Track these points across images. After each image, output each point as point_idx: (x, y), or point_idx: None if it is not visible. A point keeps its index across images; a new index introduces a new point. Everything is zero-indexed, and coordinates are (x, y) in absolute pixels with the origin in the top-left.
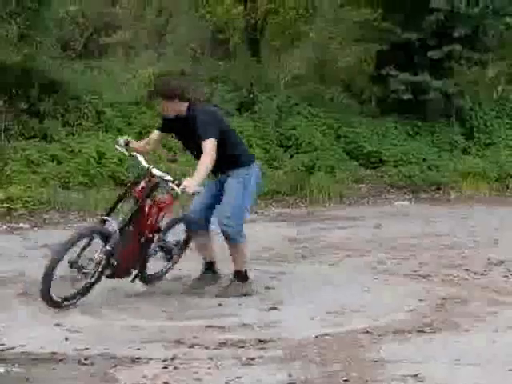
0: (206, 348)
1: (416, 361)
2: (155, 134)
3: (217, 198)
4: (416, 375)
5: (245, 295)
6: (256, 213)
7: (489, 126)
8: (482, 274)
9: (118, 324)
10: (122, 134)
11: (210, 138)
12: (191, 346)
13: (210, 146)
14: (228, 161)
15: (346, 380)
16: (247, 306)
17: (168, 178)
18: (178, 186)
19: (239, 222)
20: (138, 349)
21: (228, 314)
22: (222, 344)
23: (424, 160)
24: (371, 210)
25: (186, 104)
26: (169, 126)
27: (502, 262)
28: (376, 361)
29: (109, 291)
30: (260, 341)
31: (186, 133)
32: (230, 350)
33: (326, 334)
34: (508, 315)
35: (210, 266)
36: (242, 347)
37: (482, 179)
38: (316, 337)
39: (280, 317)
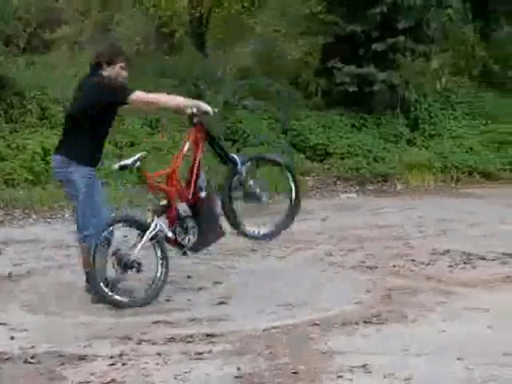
0: (154, 344)
1: (364, 352)
2: None
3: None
4: (364, 366)
5: None
6: None
7: (433, 117)
8: (428, 265)
9: (64, 321)
10: None
11: None
12: (139, 342)
13: None
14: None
15: (294, 372)
16: (196, 301)
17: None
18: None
19: None
20: (86, 346)
21: (176, 310)
22: (171, 339)
23: (370, 152)
24: (319, 203)
25: None
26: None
27: (448, 251)
28: (324, 352)
29: (55, 288)
30: (208, 335)
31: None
32: (178, 345)
33: (275, 327)
34: (455, 305)
35: None
36: (191, 342)
37: (428, 170)
38: (264, 330)
39: (229, 311)
